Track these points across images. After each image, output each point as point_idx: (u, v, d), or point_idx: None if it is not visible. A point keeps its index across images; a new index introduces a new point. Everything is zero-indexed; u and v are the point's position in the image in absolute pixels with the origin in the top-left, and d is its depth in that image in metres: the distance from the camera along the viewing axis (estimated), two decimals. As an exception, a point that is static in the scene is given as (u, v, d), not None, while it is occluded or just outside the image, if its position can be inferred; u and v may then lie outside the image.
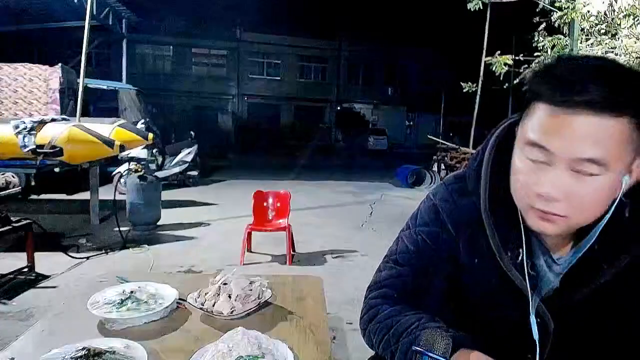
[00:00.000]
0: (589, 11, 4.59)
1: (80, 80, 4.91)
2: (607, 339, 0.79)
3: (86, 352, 0.97)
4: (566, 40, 4.91)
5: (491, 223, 0.81)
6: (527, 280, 0.79)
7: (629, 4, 4.48)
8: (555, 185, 0.66)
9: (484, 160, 0.84)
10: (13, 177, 6.35)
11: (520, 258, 0.80)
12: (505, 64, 5.56)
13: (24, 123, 4.28)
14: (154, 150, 7.78)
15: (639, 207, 0.73)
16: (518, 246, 0.80)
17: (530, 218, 0.72)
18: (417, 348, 0.75)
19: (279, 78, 26.45)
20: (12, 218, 3.54)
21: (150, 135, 5.02)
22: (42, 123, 4.37)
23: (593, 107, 0.62)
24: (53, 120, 4.55)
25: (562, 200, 0.67)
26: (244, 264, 4.04)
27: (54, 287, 3.42)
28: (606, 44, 4.80)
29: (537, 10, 5.12)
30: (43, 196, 6.87)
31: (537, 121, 0.68)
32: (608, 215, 0.70)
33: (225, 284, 1.29)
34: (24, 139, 4.22)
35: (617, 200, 0.69)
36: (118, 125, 4.75)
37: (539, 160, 0.68)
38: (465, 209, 0.86)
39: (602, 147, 0.63)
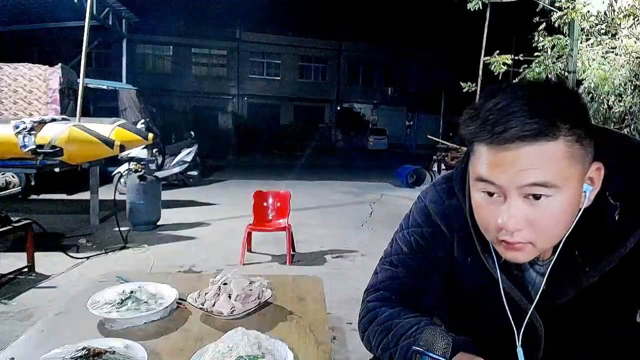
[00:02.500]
0: (589, 11, 4.58)
1: (80, 80, 4.91)
2: (595, 341, 0.80)
3: (86, 352, 0.97)
4: (566, 40, 4.90)
5: (475, 225, 0.81)
6: (512, 281, 0.80)
7: (629, 4, 4.48)
8: (514, 216, 0.67)
9: (469, 163, 0.85)
10: (13, 177, 6.36)
11: (503, 258, 0.80)
12: (504, 64, 5.56)
13: (24, 123, 4.28)
14: (154, 150, 7.78)
15: (628, 210, 0.73)
16: None
17: (500, 249, 0.74)
18: (417, 348, 0.75)
19: (279, 78, 26.45)
20: (12, 218, 3.54)
21: (150, 135, 5.03)
22: (42, 123, 4.37)
23: (520, 140, 0.64)
24: (53, 120, 4.55)
25: (524, 228, 0.68)
26: (244, 264, 4.04)
27: (54, 287, 3.42)
28: (606, 44, 4.80)
29: (537, 10, 5.12)
30: (43, 196, 6.87)
31: (480, 158, 0.70)
32: (575, 221, 0.71)
33: (225, 284, 1.29)
34: (24, 139, 4.22)
35: (607, 204, 0.72)
36: (118, 125, 4.75)
37: (492, 193, 0.70)
38: (456, 210, 0.87)
39: (544, 171, 0.65)
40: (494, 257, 0.80)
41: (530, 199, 0.67)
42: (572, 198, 0.68)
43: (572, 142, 0.65)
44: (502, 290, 0.80)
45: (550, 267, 0.77)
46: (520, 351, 0.79)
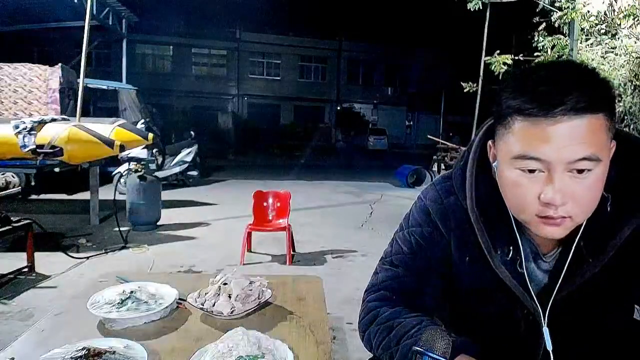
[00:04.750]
0: (589, 11, 4.58)
1: (80, 80, 4.91)
2: (595, 336, 0.80)
3: (86, 352, 0.97)
4: (566, 40, 4.90)
5: (479, 222, 0.82)
6: (517, 279, 0.80)
7: (629, 4, 4.47)
8: (561, 191, 0.67)
9: (469, 159, 0.85)
10: (13, 177, 6.35)
11: (509, 256, 0.80)
12: (504, 64, 5.55)
13: (24, 123, 4.27)
14: (154, 150, 7.77)
15: (620, 201, 0.75)
16: (507, 244, 0.81)
17: (536, 226, 0.73)
18: (417, 348, 0.75)
19: (279, 78, 26.46)
20: (12, 218, 3.54)
21: (150, 135, 5.02)
22: (42, 123, 4.36)
23: (575, 112, 0.64)
24: (53, 120, 4.54)
25: (569, 202, 0.68)
26: (244, 264, 4.04)
27: (54, 287, 3.41)
28: (606, 44, 4.80)
29: (537, 10, 5.12)
30: (43, 196, 6.87)
31: (521, 134, 0.69)
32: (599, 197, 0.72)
33: (225, 284, 1.29)
34: (24, 139, 4.22)
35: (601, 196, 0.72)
36: (118, 125, 4.75)
37: (535, 170, 0.69)
38: (453, 209, 0.87)
39: (591, 144, 0.66)
40: (505, 251, 0.80)
41: (574, 172, 0.67)
42: (605, 173, 0.69)
43: (609, 116, 0.67)
44: (510, 288, 0.80)
45: (556, 260, 0.78)
46: (546, 330, 0.79)
